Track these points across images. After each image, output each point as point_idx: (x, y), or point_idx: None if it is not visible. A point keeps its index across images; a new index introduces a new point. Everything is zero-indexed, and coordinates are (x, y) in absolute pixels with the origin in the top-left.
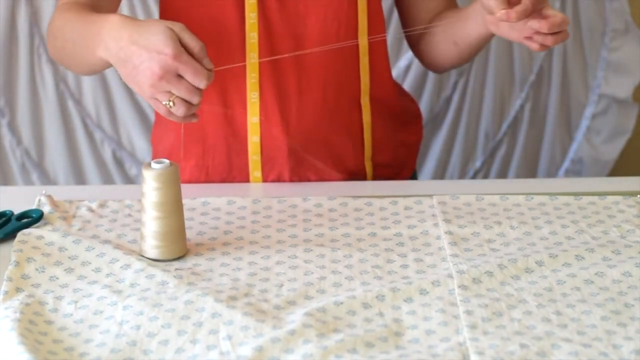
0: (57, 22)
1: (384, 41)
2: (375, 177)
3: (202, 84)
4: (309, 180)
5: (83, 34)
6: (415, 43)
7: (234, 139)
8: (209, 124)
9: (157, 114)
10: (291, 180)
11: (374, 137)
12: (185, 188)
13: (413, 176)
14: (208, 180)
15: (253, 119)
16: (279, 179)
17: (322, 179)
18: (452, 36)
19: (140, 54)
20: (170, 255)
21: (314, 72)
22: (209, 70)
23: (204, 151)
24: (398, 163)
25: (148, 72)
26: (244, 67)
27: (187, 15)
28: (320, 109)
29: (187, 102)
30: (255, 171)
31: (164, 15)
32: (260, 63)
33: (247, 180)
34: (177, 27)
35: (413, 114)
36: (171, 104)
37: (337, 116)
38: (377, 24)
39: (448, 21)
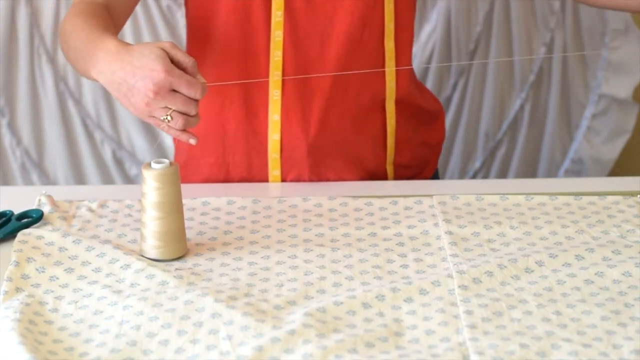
0: (67, 26)
1: (410, 43)
2: (397, 178)
3: (197, 94)
4: (328, 180)
5: (83, 49)
6: None
7: (254, 137)
8: (229, 122)
9: None
10: (310, 180)
11: (397, 139)
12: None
13: (435, 175)
14: (228, 178)
15: (274, 116)
16: (298, 179)
17: (341, 179)
18: None
19: (134, 73)
20: (170, 255)
21: (342, 71)
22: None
23: (225, 149)
24: (419, 163)
25: (143, 90)
26: (267, 64)
27: (212, 10)
28: (342, 110)
29: (185, 114)
30: (274, 170)
31: (190, 12)
32: (283, 61)
33: (267, 179)
34: (167, 45)
35: (435, 113)
36: (169, 117)
37: (360, 118)
38: (404, 27)
39: None
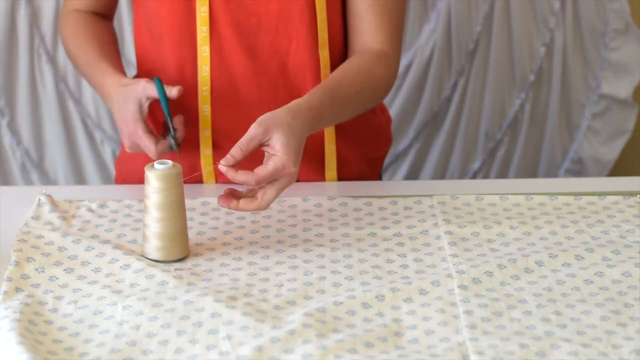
0: (68, 44)
1: (345, 54)
2: None
3: (151, 155)
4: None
5: (90, 76)
6: None
7: (187, 150)
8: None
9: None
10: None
11: (337, 155)
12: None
13: None
14: None
15: (205, 132)
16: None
17: None
18: None
19: (117, 121)
20: (173, 256)
21: (270, 86)
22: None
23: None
24: (357, 178)
25: (122, 137)
26: (196, 80)
27: (149, 18)
28: None
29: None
30: (209, 181)
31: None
32: (212, 76)
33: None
34: (142, 96)
35: (379, 128)
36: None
37: None
38: (337, 36)
39: None
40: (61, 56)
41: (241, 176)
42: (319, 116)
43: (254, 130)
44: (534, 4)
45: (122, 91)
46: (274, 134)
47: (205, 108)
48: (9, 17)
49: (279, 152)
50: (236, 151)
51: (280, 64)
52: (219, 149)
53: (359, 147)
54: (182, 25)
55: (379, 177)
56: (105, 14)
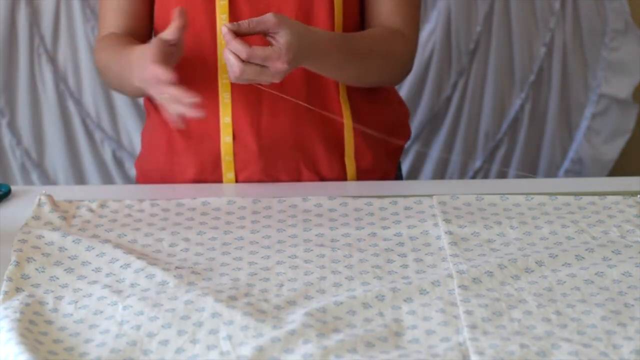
0: (102, 61)
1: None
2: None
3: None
4: (279, 180)
5: (120, 69)
6: None
7: (206, 139)
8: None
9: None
10: (260, 181)
11: (355, 144)
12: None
13: (398, 176)
14: (179, 180)
15: (225, 119)
16: (249, 180)
17: (295, 180)
18: None
19: (140, 78)
20: None
21: (289, 75)
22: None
23: (174, 151)
24: (378, 170)
25: (149, 89)
26: (216, 68)
27: (166, 18)
28: (294, 112)
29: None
30: (228, 172)
31: (154, 20)
32: None
33: (220, 181)
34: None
35: (396, 119)
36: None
37: (313, 119)
38: (351, 21)
39: None
40: (61, 56)
41: (236, 44)
42: (327, 48)
43: (268, 16)
44: (534, 4)
45: (142, 57)
46: (284, 30)
47: (225, 95)
48: (9, 17)
49: (280, 45)
50: (244, 23)
51: None
52: (239, 137)
53: (376, 137)
54: (202, 14)
55: (396, 168)
56: (140, 33)
